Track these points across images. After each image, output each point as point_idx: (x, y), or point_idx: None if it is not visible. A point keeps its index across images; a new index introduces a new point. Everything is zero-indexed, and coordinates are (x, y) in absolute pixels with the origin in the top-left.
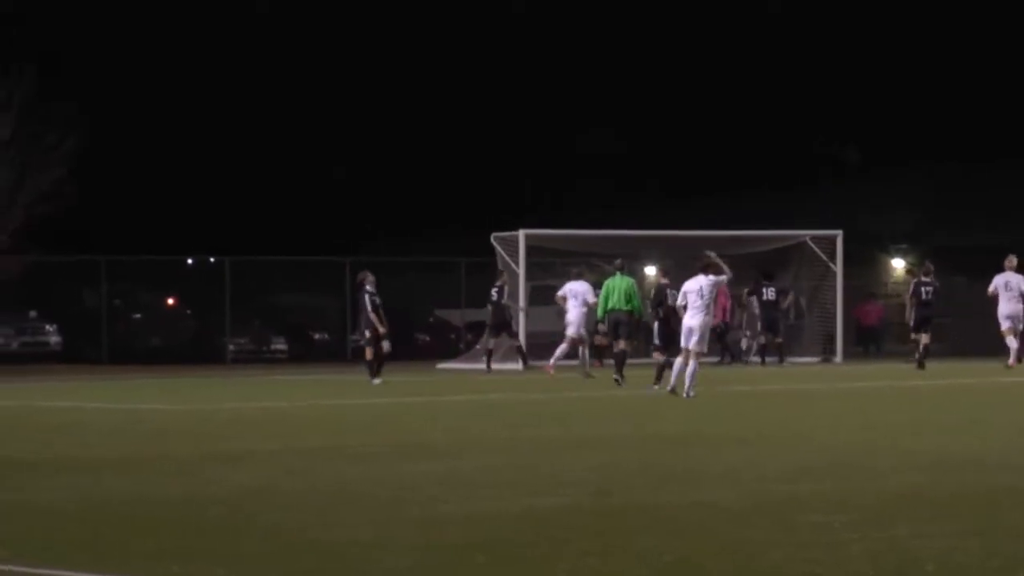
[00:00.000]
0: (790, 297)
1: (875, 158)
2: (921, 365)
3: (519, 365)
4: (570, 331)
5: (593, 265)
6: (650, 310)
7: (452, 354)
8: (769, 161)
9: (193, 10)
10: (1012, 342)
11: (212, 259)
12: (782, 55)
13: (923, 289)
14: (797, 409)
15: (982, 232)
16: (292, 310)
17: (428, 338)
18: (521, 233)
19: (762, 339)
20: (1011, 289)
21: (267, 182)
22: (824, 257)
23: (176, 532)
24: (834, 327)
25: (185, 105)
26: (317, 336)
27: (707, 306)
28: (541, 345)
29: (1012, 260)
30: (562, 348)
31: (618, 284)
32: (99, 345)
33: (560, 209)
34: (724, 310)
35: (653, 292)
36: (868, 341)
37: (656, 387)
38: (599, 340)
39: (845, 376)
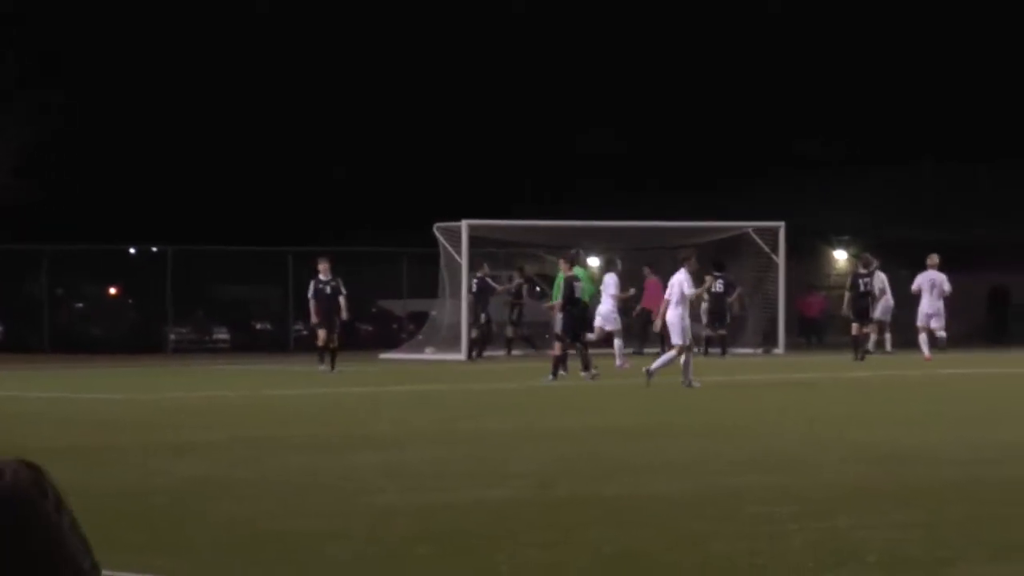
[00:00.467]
0: (738, 290)
1: (829, 153)
2: (861, 357)
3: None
4: (605, 325)
5: (537, 256)
6: (559, 300)
7: (394, 344)
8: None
9: None
10: (925, 339)
11: (154, 249)
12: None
13: (860, 281)
14: (742, 401)
15: (926, 227)
16: (234, 300)
17: (371, 328)
18: (464, 223)
19: (707, 331)
20: (935, 287)
21: (211, 171)
22: (766, 249)
23: (119, 523)
24: (776, 319)
25: (124, 94)
26: (259, 326)
27: (677, 302)
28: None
29: (934, 258)
30: (618, 344)
31: (586, 274)
32: (41, 334)
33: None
34: (655, 303)
35: (562, 284)
36: (810, 333)
37: (551, 379)
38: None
39: (788, 367)
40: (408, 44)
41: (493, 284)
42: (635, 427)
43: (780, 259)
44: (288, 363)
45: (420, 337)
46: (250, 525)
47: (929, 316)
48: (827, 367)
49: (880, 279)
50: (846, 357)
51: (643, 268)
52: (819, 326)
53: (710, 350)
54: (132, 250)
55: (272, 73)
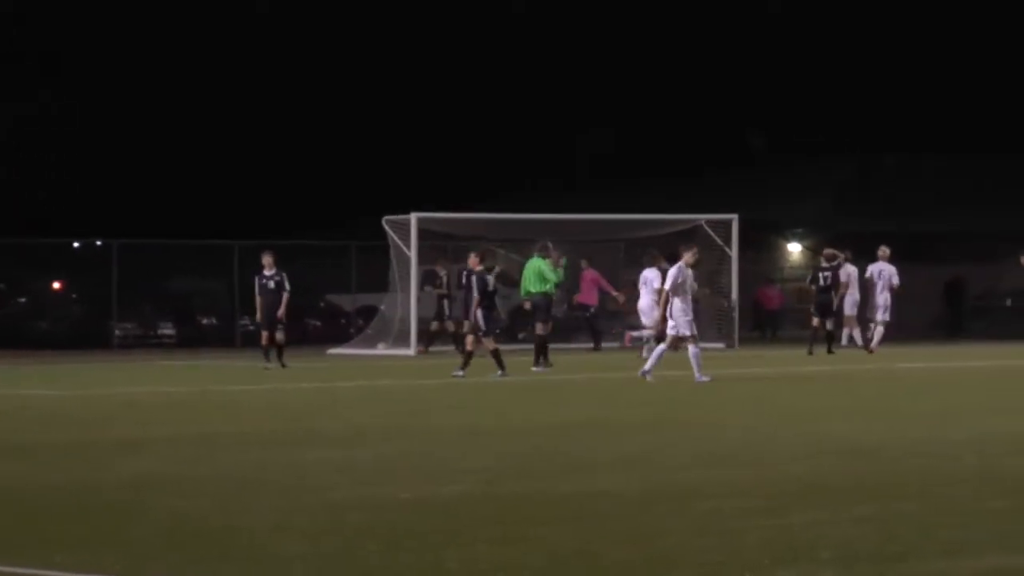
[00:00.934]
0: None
1: (783, 145)
2: (828, 350)
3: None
4: (644, 320)
5: (488, 250)
6: (475, 296)
7: (343, 339)
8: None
9: None
10: (873, 330)
11: (99, 242)
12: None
13: (821, 275)
14: (695, 395)
15: (882, 220)
16: (180, 294)
17: (319, 323)
18: (413, 216)
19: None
20: (882, 278)
21: (156, 163)
22: (719, 241)
23: (65, 519)
24: (731, 312)
25: (65, 89)
26: (205, 321)
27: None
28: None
29: (885, 251)
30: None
31: (531, 266)
32: None
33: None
34: (594, 295)
35: (475, 279)
36: (767, 326)
37: (462, 373)
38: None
39: (743, 361)
40: (357, 37)
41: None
42: (587, 422)
43: (733, 252)
44: (235, 358)
45: (369, 332)
46: (197, 522)
47: (878, 308)
48: (782, 361)
49: (846, 272)
50: (802, 351)
51: (580, 261)
52: (776, 319)
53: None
54: (76, 244)
55: (221, 64)
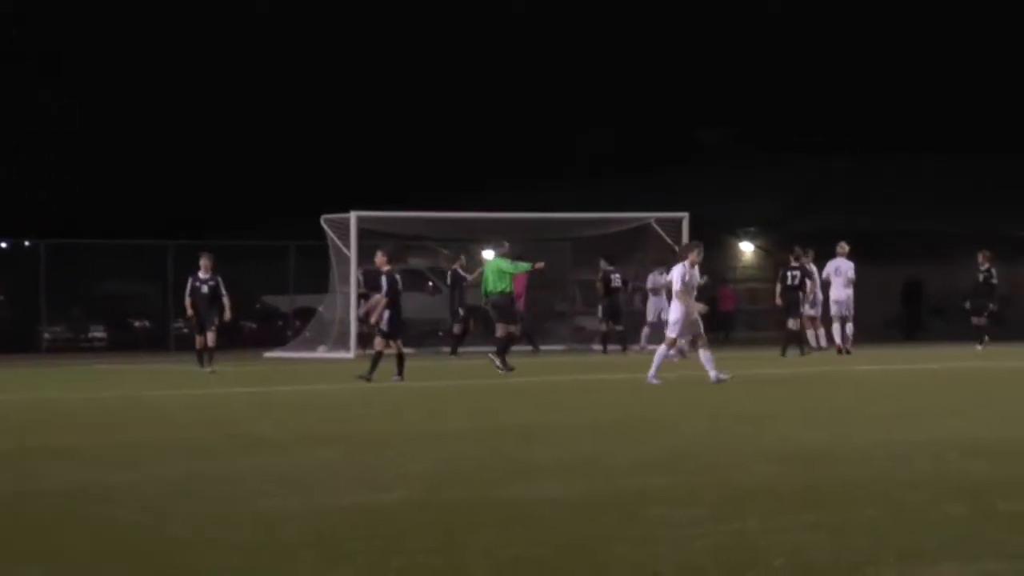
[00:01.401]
0: (630, 285)
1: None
2: (802, 352)
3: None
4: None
5: (429, 249)
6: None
7: (280, 342)
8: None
9: None
10: (837, 329)
11: (27, 243)
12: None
13: (789, 274)
14: (643, 399)
15: (836, 218)
16: (112, 296)
17: (255, 326)
18: (352, 215)
19: (603, 326)
20: (840, 275)
21: (86, 161)
22: (669, 240)
23: None
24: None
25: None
26: (138, 324)
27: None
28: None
29: (844, 247)
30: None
31: (491, 267)
32: None
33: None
34: (521, 297)
35: (385, 278)
36: (721, 327)
37: (371, 377)
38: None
39: (694, 363)
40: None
41: (463, 274)
42: (532, 426)
43: None
44: (168, 362)
45: (307, 334)
46: (128, 532)
47: (837, 304)
48: (735, 363)
49: (808, 271)
50: (755, 352)
51: None
52: (731, 320)
53: (609, 347)
54: (3, 244)
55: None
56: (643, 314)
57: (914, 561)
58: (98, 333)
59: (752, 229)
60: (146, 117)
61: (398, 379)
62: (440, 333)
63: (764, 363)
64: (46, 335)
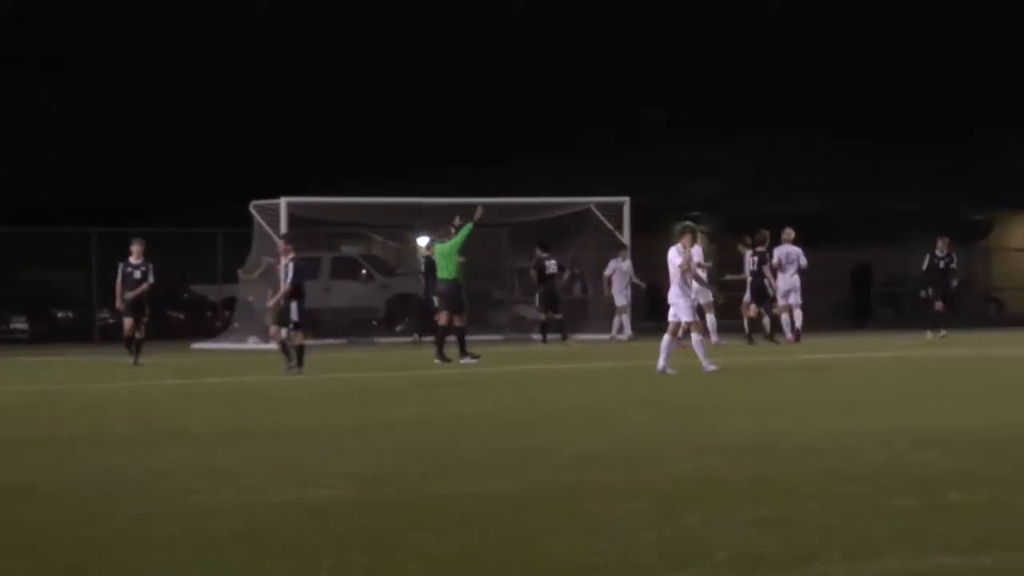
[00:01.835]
0: (567, 272)
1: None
2: (770, 339)
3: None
4: (700, 298)
5: (361, 236)
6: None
7: (209, 333)
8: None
9: None
10: (786, 319)
11: None
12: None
13: (752, 259)
14: (584, 390)
15: (782, 202)
16: (33, 286)
17: (182, 316)
18: (282, 201)
19: (542, 315)
20: (791, 262)
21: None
22: (610, 225)
23: None
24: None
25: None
26: (61, 314)
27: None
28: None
29: (790, 232)
30: (711, 319)
31: (438, 252)
32: None
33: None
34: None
35: (290, 268)
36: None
37: (295, 369)
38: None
39: (637, 353)
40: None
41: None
42: (468, 418)
43: (626, 237)
44: (93, 354)
45: (236, 325)
46: (49, 530)
47: (787, 292)
48: (678, 353)
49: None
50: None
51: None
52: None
53: (549, 336)
54: None
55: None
56: (586, 302)
57: (862, 555)
58: (19, 324)
59: (696, 213)
60: (70, 99)
61: (297, 370)
62: (374, 322)
63: (713, 352)
64: None
